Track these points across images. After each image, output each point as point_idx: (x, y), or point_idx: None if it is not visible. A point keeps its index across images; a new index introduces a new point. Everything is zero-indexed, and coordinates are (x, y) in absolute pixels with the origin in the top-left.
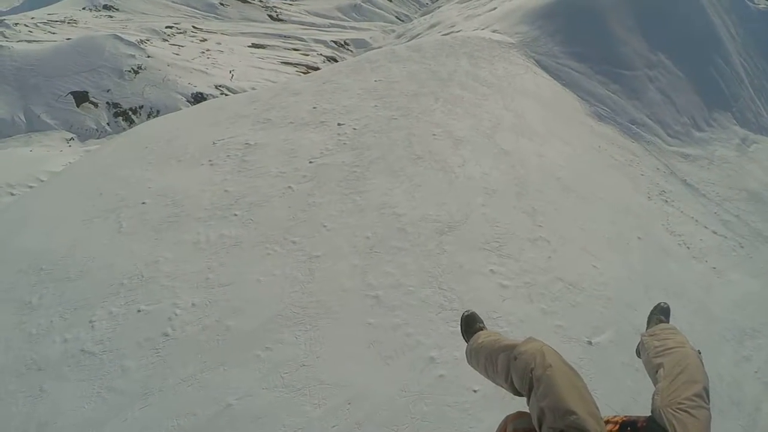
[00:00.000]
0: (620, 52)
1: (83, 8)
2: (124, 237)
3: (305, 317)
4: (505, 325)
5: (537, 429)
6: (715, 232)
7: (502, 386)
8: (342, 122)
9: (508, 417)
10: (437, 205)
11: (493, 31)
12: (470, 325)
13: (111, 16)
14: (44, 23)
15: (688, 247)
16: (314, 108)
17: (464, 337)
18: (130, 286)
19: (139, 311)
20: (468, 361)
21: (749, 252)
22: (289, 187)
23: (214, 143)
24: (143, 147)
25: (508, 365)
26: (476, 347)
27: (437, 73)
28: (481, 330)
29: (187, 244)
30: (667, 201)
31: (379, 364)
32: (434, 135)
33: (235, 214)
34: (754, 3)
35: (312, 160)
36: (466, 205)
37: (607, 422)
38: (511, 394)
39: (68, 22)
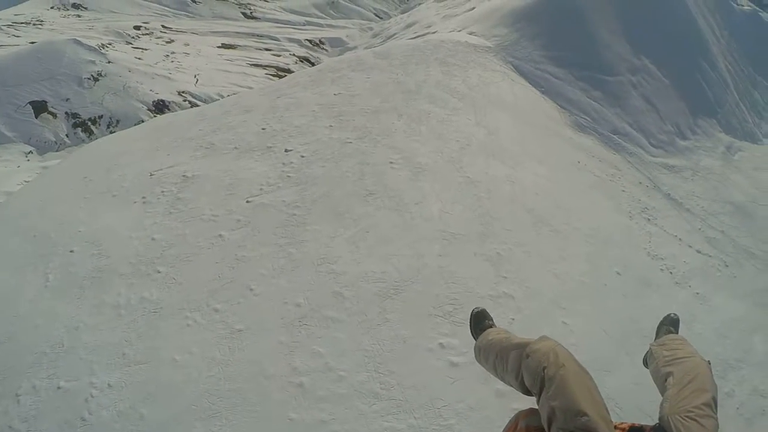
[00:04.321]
0: (603, 56)
1: (51, 7)
2: (50, 293)
3: (221, 409)
4: (451, 415)
5: (546, 428)
6: (699, 251)
7: (511, 384)
8: (290, 148)
9: (519, 413)
10: (384, 259)
11: (470, 33)
12: (479, 321)
13: (79, 16)
14: (8, 26)
15: (671, 272)
16: (263, 129)
17: (473, 335)
18: (52, 356)
19: (59, 388)
20: (476, 359)
21: (734, 271)
22: (220, 235)
23: (151, 175)
24: (82, 177)
25: (520, 363)
26: (486, 344)
27: (404, 84)
28: (491, 327)
29: (108, 308)
30: (649, 219)
31: None
32: (391, 163)
33: (159, 271)
34: (738, 4)
35: (250, 199)
36: (419, 257)
37: (615, 428)
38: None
39: (34, 24)
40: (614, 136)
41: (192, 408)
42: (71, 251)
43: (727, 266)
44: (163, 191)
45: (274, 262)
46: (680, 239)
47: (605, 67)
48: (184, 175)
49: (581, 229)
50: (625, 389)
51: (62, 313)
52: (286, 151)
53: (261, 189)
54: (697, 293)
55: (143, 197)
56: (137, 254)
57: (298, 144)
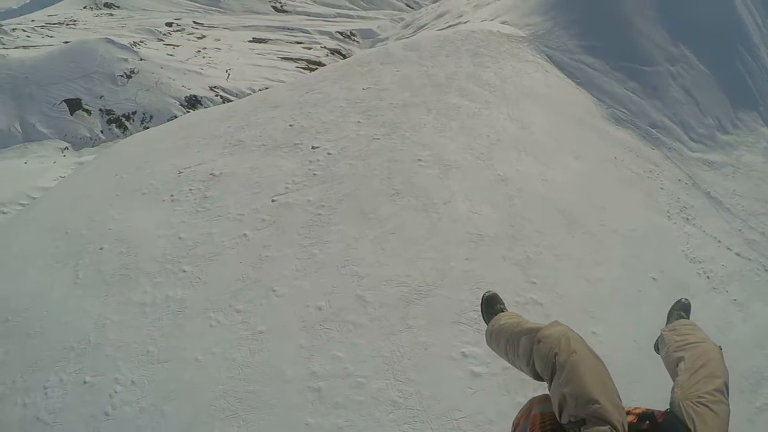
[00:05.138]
0: (640, 45)
1: (84, 7)
2: (79, 290)
3: (240, 410)
4: (469, 427)
5: (557, 415)
6: (738, 254)
7: (522, 370)
8: (317, 144)
9: (533, 399)
10: (409, 262)
11: (502, 23)
12: (491, 305)
13: (111, 14)
14: (42, 26)
15: (708, 277)
16: (290, 126)
17: (484, 318)
18: (80, 350)
19: (85, 383)
20: (487, 343)
21: None
22: (245, 235)
23: (179, 173)
24: (113, 174)
25: (531, 348)
26: (497, 329)
27: (434, 77)
28: (502, 311)
29: (134, 306)
30: (688, 219)
31: None
32: (420, 160)
33: (184, 270)
34: None
35: (275, 198)
36: (445, 260)
37: (627, 413)
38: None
39: (67, 24)
40: (652, 130)
41: (211, 408)
42: (101, 249)
43: (766, 271)
44: (191, 189)
45: (298, 263)
46: (719, 241)
47: (642, 56)
48: (211, 173)
49: (617, 231)
50: (653, 402)
51: (90, 309)
52: (313, 148)
53: (287, 187)
54: (735, 299)
55: (171, 195)
56: (164, 253)
57: (325, 141)
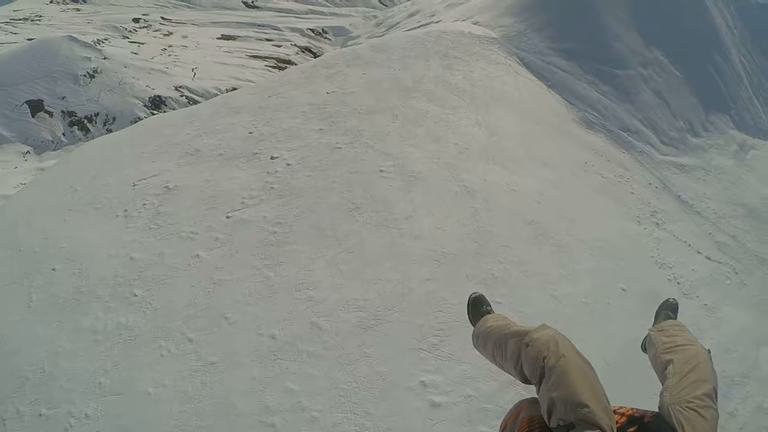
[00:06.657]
0: (613, 48)
1: (50, 2)
2: (32, 315)
3: None
4: None
5: (546, 418)
6: (708, 258)
7: (509, 372)
8: (276, 155)
9: (521, 402)
10: (366, 284)
11: (474, 23)
12: (477, 307)
13: (78, 9)
14: (6, 23)
15: (679, 282)
16: (250, 133)
17: (470, 321)
18: (35, 381)
19: (40, 415)
20: (474, 345)
21: (743, 278)
22: (197, 255)
23: (134, 185)
24: (68, 186)
25: (519, 352)
26: (484, 331)
27: (401, 80)
28: (489, 313)
29: (86, 333)
30: (658, 224)
31: None
32: (382, 171)
33: (135, 294)
34: None
35: (230, 214)
36: (405, 282)
37: (614, 412)
38: None
39: (32, 20)
40: (624, 134)
41: None
42: (53, 269)
43: (736, 273)
44: (144, 204)
45: (251, 287)
46: (689, 245)
47: (615, 59)
48: (166, 186)
49: (586, 241)
50: None
51: (43, 336)
52: (272, 158)
53: (243, 203)
54: (705, 304)
55: (125, 210)
56: (115, 275)
57: (285, 150)
